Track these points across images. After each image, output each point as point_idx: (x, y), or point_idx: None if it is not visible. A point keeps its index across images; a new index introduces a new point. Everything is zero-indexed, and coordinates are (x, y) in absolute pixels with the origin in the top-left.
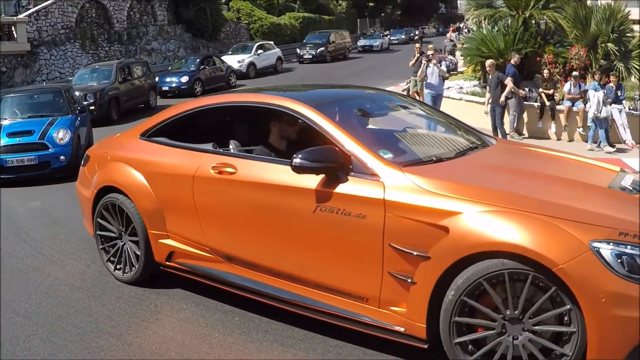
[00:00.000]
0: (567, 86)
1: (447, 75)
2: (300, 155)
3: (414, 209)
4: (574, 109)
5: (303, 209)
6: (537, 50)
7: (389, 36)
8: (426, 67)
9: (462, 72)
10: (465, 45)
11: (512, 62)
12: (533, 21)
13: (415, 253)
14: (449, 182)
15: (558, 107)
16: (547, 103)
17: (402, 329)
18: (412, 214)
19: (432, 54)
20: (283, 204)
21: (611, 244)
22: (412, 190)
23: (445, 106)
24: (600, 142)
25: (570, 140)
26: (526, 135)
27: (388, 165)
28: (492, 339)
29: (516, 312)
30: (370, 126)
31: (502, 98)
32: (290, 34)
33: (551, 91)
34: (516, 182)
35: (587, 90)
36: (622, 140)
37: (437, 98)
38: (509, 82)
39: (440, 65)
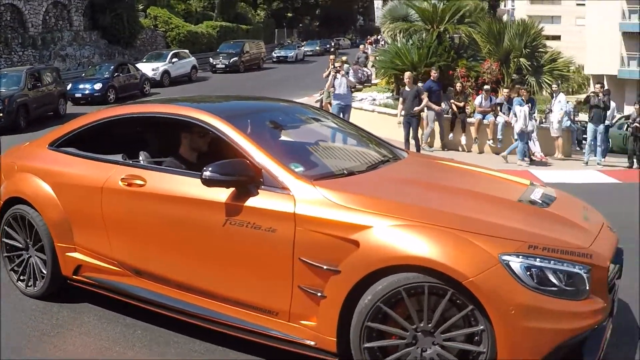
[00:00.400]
0: (478, 99)
1: (355, 86)
2: (210, 168)
3: (324, 223)
4: (485, 121)
5: (213, 222)
6: (451, 64)
7: (303, 47)
8: (334, 79)
9: (376, 84)
10: (379, 58)
11: (432, 77)
12: (447, 35)
13: (325, 267)
14: (359, 196)
15: (469, 119)
16: (459, 115)
17: (312, 343)
18: (323, 228)
19: (339, 65)
20: (193, 218)
21: (520, 257)
22: (323, 204)
23: (358, 118)
24: (525, 155)
25: (481, 152)
26: (437, 147)
27: (299, 179)
28: (401, 349)
29: (429, 325)
30: (282, 139)
31: (418, 108)
32: (207, 42)
33: (462, 104)
34: (427, 195)
35: (504, 104)
36: (532, 153)
37: (345, 109)
38: (424, 97)
39: (349, 76)
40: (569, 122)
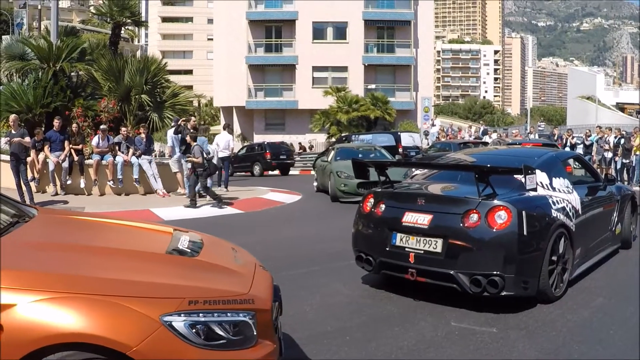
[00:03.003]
0: (95, 140)
1: None
2: None
3: None
4: (104, 162)
5: None
6: (67, 103)
7: None
8: None
9: None
10: None
11: (55, 127)
12: (64, 74)
13: None
14: None
15: (87, 161)
16: (76, 158)
17: None
18: None
19: None
20: None
21: (183, 315)
22: None
23: None
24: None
25: (102, 194)
26: (56, 192)
27: None
28: None
29: None
30: None
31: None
32: None
33: (80, 146)
34: (70, 260)
35: (123, 143)
36: (154, 190)
37: None
38: (28, 139)
39: None
40: None
